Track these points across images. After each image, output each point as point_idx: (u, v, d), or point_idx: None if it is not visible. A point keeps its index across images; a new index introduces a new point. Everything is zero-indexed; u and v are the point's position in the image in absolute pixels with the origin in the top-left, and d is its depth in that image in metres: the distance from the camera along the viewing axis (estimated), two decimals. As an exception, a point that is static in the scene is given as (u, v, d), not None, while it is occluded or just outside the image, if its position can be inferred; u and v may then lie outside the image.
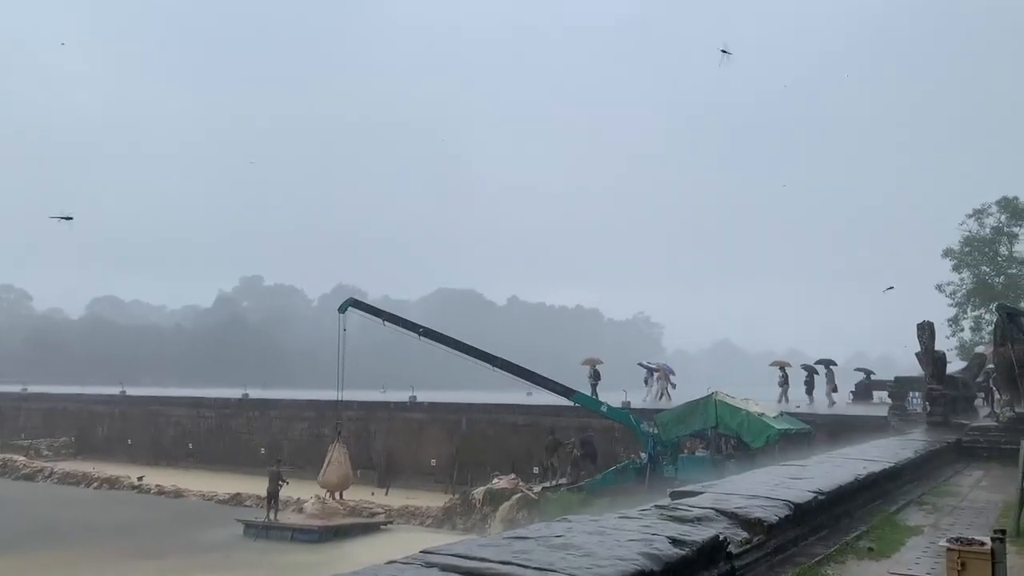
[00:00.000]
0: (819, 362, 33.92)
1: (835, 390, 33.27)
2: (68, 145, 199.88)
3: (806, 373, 33.31)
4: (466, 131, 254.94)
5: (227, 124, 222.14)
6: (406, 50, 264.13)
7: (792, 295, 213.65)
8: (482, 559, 4.02)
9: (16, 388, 55.37)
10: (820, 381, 34.01)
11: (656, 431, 25.55)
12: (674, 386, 35.92)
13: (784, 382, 32.64)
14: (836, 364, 34.31)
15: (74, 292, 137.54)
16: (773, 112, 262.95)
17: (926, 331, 20.98)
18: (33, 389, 54.72)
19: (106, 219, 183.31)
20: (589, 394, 30.49)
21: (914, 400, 27.57)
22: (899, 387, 28.24)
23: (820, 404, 31.77)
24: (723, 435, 24.73)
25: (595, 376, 34.13)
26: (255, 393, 45.97)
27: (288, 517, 27.78)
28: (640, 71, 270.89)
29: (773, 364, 34.29)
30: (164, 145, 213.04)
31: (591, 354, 37.55)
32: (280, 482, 27.84)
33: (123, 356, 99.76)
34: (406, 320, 30.24)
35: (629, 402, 31.59)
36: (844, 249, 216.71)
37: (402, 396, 39.29)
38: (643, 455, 26.08)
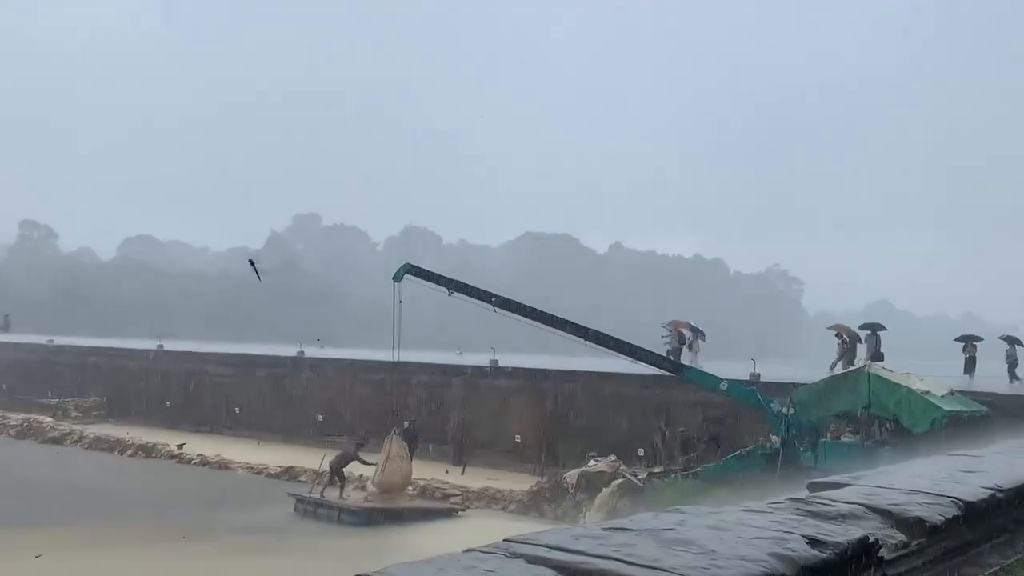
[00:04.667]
0: (864, 326, 34.25)
1: (880, 357, 32.82)
2: (104, 72, 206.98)
3: (843, 340, 33.22)
4: (559, 48, 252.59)
5: (280, 49, 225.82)
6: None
7: (969, 248, 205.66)
8: (576, 552, 4.07)
9: (42, 339, 58.30)
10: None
11: (792, 411, 25.26)
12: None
13: (849, 350, 32.49)
14: (885, 329, 34.22)
15: (105, 230, 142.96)
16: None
17: None
18: (60, 341, 57.32)
19: (142, 151, 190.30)
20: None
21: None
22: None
23: (999, 382, 30.85)
24: (877, 417, 24.30)
25: (679, 339, 34.44)
26: (312, 351, 47.26)
27: (349, 495, 28.72)
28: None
29: (831, 328, 34.68)
30: (209, 73, 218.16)
31: (712, 313, 37.57)
32: (362, 460, 29.14)
33: (160, 305, 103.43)
34: (477, 288, 30.60)
35: (759, 374, 31.25)
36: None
37: (482, 359, 39.76)
38: (774, 439, 25.85)
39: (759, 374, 31.39)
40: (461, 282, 31.18)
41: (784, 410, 25.49)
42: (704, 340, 37.01)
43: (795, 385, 27.10)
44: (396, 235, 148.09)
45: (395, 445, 28.84)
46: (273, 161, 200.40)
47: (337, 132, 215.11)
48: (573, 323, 29.03)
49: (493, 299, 29.62)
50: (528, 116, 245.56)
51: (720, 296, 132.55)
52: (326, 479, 29.24)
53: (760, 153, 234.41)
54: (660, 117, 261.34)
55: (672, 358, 32.55)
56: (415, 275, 30.54)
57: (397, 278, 29.60)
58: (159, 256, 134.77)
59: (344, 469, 29.16)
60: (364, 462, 29.21)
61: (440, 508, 28.94)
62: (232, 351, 50.34)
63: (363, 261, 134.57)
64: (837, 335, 33.57)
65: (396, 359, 29.73)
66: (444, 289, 30.19)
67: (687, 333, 36.38)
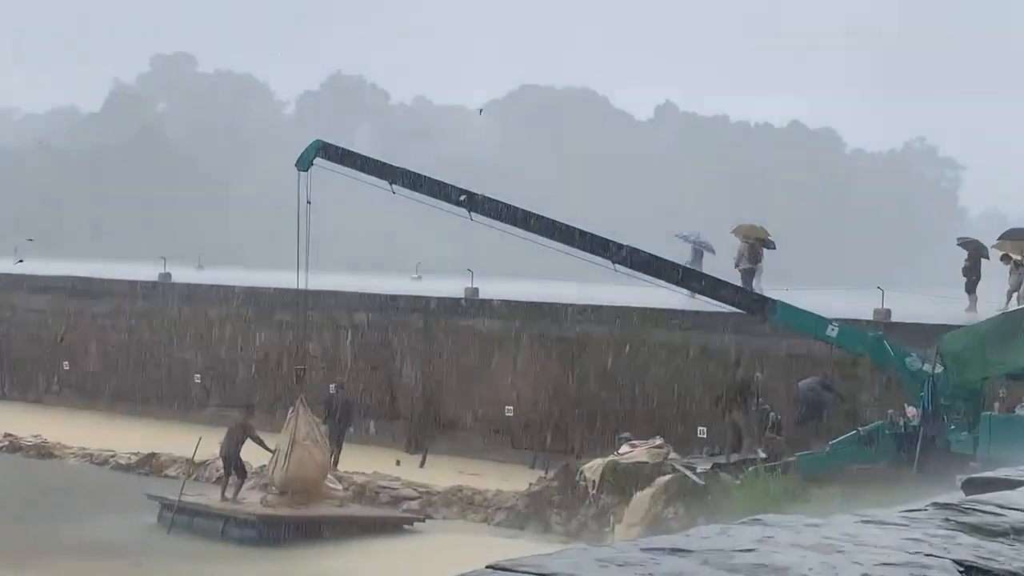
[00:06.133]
0: (1011, 234, 35.56)
1: None
2: None
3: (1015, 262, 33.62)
4: None
5: None
6: None
7: None
8: (602, 586, 4.11)
9: None
10: None
11: (940, 369, 25.36)
12: None
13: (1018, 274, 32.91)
14: None
15: None
16: None
17: None
18: None
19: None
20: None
21: None
22: None
23: None
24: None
25: (752, 258, 34.48)
26: (185, 273, 47.35)
27: (247, 496, 28.83)
28: None
29: (960, 242, 36.32)
30: None
31: (817, 211, 37.62)
32: (257, 439, 29.12)
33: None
34: (436, 181, 30.14)
35: (888, 310, 31.40)
36: None
37: (453, 287, 39.79)
38: (911, 412, 26.03)
39: (889, 311, 31.55)
40: (409, 170, 30.76)
41: (928, 368, 25.63)
42: (762, 259, 36.83)
43: (946, 328, 27.22)
44: (316, 89, 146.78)
45: (303, 422, 28.56)
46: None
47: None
48: (594, 235, 28.85)
49: (463, 197, 29.24)
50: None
51: (830, 185, 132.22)
52: (225, 475, 29.23)
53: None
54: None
55: (745, 279, 32.74)
56: (331, 159, 30.22)
57: (302, 165, 29.34)
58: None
59: (242, 455, 29.10)
60: (260, 442, 29.14)
61: (387, 518, 29.29)
62: (58, 272, 50.13)
63: (264, 130, 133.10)
64: (1003, 258, 33.56)
65: (304, 286, 29.27)
66: (385, 183, 29.90)
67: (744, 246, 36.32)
